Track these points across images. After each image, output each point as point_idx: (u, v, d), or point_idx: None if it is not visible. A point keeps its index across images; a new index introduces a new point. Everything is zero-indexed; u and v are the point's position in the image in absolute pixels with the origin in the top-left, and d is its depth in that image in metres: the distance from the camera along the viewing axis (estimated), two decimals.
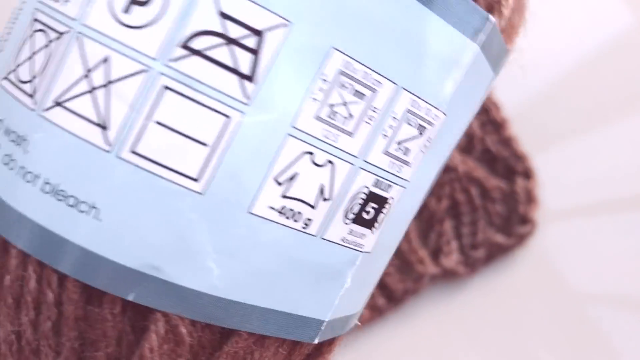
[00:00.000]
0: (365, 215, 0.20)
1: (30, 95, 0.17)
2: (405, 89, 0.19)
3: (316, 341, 0.21)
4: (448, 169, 0.33)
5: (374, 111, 0.19)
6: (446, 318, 0.34)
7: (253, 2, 0.16)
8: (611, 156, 0.35)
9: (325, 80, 0.18)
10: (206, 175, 0.17)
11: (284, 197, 0.18)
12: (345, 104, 0.18)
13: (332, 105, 0.18)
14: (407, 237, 0.33)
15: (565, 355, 0.34)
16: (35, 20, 0.18)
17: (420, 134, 0.20)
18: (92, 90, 0.17)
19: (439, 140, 0.21)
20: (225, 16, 0.16)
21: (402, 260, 0.33)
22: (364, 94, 0.18)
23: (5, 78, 0.18)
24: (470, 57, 0.19)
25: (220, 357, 0.19)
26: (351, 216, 0.19)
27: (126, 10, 0.17)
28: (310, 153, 0.18)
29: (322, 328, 0.21)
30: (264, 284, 0.19)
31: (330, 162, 0.18)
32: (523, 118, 0.34)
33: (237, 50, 0.17)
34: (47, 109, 0.17)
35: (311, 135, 0.18)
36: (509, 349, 0.34)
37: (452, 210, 0.34)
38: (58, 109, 0.17)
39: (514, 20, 0.21)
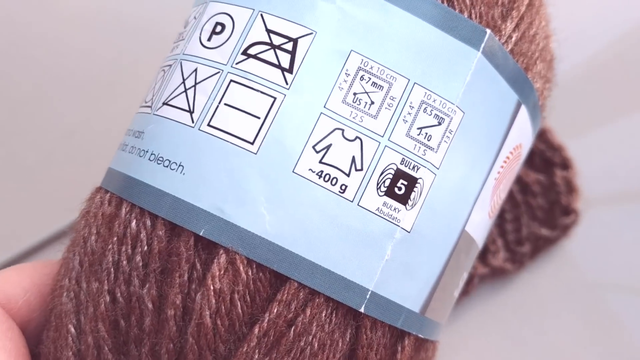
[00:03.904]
0: (397, 191, 0.23)
1: (149, 106, 0.25)
2: (417, 84, 0.24)
3: (362, 309, 0.23)
4: None
5: (392, 99, 0.24)
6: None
7: (287, 19, 0.24)
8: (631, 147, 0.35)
9: (348, 74, 0.23)
10: (259, 140, 0.23)
11: (321, 162, 0.23)
12: (366, 92, 0.23)
13: (355, 93, 0.23)
14: None
15: (585, 344, 0.33)
16: (163, 66, 0.27)
17: (439, 123, 0.24)
18: (185, 90, 0.24)
19: (463, 136, 0.24)
20: (270, 31, 0.24)
21: None
22: (381, 86, 0.24)
23: (141, 106, 0.27)
24: (472, 61, 0.24)
25: (275, 305, 0.22)
26: (383, 189, 0.23)
27: (209, 39, 0.25)
28: (341, 130, 0.23)
29: (367, 297, 0.23)
30: (310, 238, 0.22)
31: (358, 137, 0.23)
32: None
33: (279, 52, 0.24)
34: (158, 109, 0.25)
35: (341, 115, 0.23)
36: (528, 337, 0.34)
37: None
38: (164, 107, 0.24)
39: (522, 47, 0.26)
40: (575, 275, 0.35)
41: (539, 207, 0.34)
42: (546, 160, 0.36)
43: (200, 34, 0.25)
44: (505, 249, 0.34)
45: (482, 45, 0.24)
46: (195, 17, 0.26)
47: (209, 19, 0.25)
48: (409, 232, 0.24)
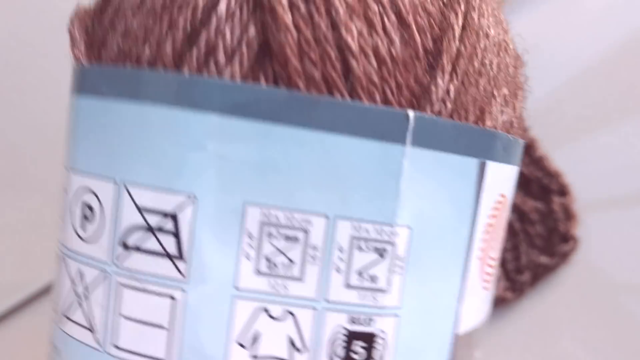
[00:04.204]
0: (355, 356, 0.19)
1: (55, 311, 0.21)
2: (339, 217, 0.18)
3: None
4: None
5: (314, 249, 0.18)
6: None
7: (157, 186, 0.18)
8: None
9: (251, 235, 0.18)
10: (174, 355, 0.19)
11: (255, 358, 0.18)
12: (280, 252, 0.18)
13: (268, 258, 0.18)
14: None
15: (601, 347, 0.34)
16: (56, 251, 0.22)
17: (382, 256, 0.18)
18: (79, 299, 0.20)
19: (418, 254, 0.19)
20: (142, 209, 0.19)
21: None
22: (296, 237, 0.18)
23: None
24: (400, 161, 0.18)
25: None
26: None
27: (82, 227, 0.20)
28: (264, 309, 0.18)
29: None
30: None
31: (288, 312, 0.18)
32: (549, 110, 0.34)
33: (161, 235, 0.19)
34: (61, 321, 0.21)
35: (258, 291, 0.18)
36: (545, 341, 0.34)
37: None
38: (66, 321, 0.21)
39: (468, 93, 0.19)
40: (577, 300, 0.34)
41: (537, 234, 0.33)
42: (543, 187, 0.33)
43: (72, 220, 0.20)
44: (505, 278, 0.33)
45: (408, 133, 0.18)
46: (64, 189, 0.21)
47: (75, 197, 0.20)
48: None
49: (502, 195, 0.22)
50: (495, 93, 0.21)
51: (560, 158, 0.34)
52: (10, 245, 0.39)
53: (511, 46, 0.22)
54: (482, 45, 0.20)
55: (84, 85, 0.20)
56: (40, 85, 0.38)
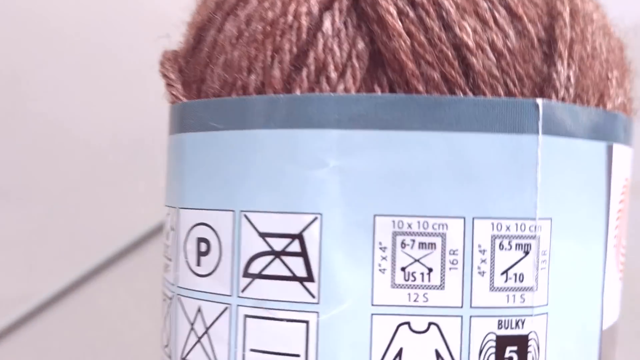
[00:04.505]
0: None
1: (169, 357, 0.20)
2: (477, 218, 0.17)
3: None
4: None
5: (453, 254, 0.17)
6: None
7: (279, 212, 0.17)
8: None
9: (382, 247, 0.17)
10: None
11: None
12: (417, 260, 0.17)
13: (404, 268, 0.17)
14: None
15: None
16: (164, 293, 0.21)
17: (526, 252, 0.17)
18: (199, 340, 0.19)
19: (561, 245, 0.18)
20: (264, 235, 0.18)
21: None
22: (433, 243, 0.17)
23: (162, 347, 0.22)
24: (535, 151, 0.17)
25: None
26: None
27: (198, 263, 0.19)
28: (406, 323, 0.17)
29: None
30: None
31: (432, 323, 0.17)
32: None
33: (287, 259, 0.17)
34: None
35: (396, 305, 0.17)
36: None
37: None
38: None
39: (587, 78, 0.18)
40: None
41: None
42: None
43: (187, 258, 0.19)
44: None
45: (539, 122, 0.17)
46: (172, 228, 0.20)
47: (188, 234, 0.19)
48: None
49: (626, 179, 0.21)
50: (610, 75, 0.20)
51: None
52: (14, 256, 0.38)
53: (612, 29, 0.21)
54: (590, 30, 0.19)
55: (187, 121, 0.20)
56: (43, 96, 0.38)
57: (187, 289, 0.19)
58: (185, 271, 0.19)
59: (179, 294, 0.20)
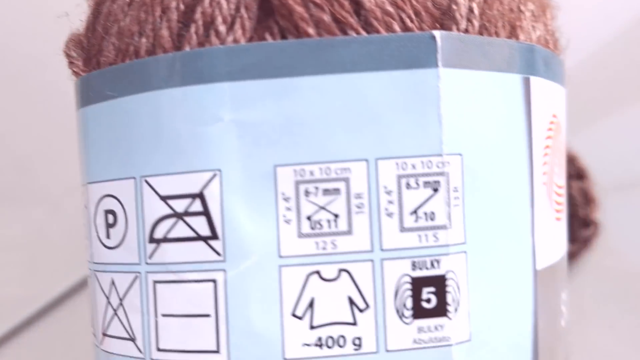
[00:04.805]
0: (426, 304, 0.17)
1: (95, 335, 0.20)
2: (380, 158, 0.16)
3: None
4: None
5: (358, 197, 0.16)
6: None
7: (178, 172, 0.17)
8: None
9: (286, 198, 0.16)
10: (223, 344, 0.17)
11: (313, 327, 0.16)
12: (322, 208, 0.17)
13: (309, 217, 0.17)
14: None
15: (627, 334, 0.32)
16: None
17: (435, 190, 0.17)
18: (115, 312, 0.18)
19: (475, 180, 0.17)
20: (165, 197, 0.17)
21: None
22: (337, 188, 0.16)
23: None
24: (435, 85, 0.16)
25: None
26: (408, 313, 0.17)
27: (107, 236, 0.18)
28: (316, 272, 0.17)
29: None
30: None
31: (343, 270, 0.17)
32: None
33: (190, 219, 0.17)
34: (101, 341, 0.19)
35: (305, 255, 0.16)
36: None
37: None
38: (106, 339, 0.19)
39: (494, 3, 0.18)
40: (601, 287, 0.32)
41: None
42: None
43: (98, 232, 0.19)
44: None
45: (438, 55, 0.17)
46: (85, 206, 0.20)
47: (96, 208, 0.19)
48: (469, 340, 0.17)
49: (554, 116, 0.20)
50: (522, 8, 0.19)
51: (577, 141, 0.32)
52: (16, 259, 0.38)
53: None
54: None
55: (87, 94, 0.19)
56: (43, 99, 0.38)
57: (100, 263, 0.19)
58: (97, 246, 0.19)
59: (95, 270, 0.19)
